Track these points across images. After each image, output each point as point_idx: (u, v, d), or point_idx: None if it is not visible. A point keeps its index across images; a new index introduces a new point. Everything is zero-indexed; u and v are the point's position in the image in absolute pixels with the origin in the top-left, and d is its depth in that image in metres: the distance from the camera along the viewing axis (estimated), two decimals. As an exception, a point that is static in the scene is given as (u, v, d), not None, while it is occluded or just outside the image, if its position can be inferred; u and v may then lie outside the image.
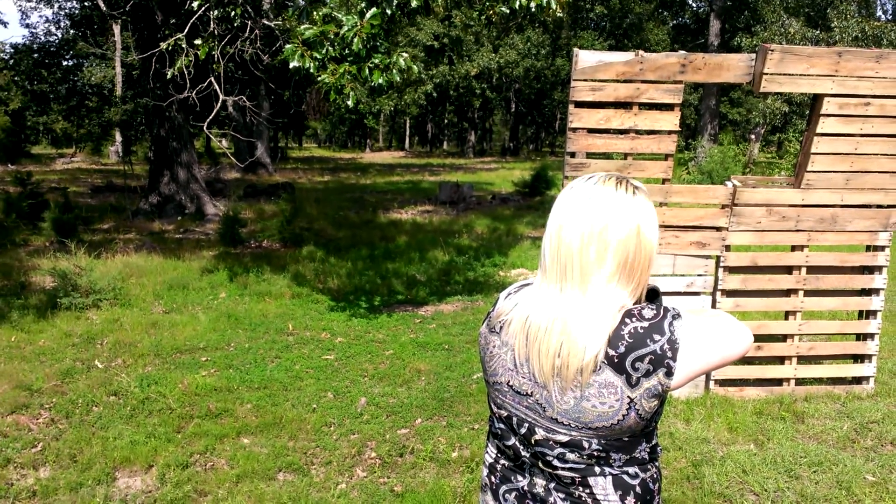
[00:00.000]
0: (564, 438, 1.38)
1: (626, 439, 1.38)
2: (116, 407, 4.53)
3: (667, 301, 4.47)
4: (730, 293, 4.73)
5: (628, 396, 1.33)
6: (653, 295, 1.45)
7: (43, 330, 6.07)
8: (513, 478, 1.51)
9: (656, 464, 1.46)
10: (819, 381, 4.91)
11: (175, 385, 4.82)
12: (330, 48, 4.37)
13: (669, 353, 1.32)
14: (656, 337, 1.32)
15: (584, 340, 1.32)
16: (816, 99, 4.50)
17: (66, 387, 4.84)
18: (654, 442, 1.44)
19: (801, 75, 4.37)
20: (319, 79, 4.32)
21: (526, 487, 1.48)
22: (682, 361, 1.32)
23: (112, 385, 4.86)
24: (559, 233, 1.37)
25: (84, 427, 4.24)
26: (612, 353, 1.32)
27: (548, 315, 1.36)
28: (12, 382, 4.81)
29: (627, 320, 1.34)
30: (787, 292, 4.79)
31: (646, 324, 1.33)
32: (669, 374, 1.32)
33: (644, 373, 1.32)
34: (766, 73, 4.33)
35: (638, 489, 1.41)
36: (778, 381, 4.83)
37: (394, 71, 4.66)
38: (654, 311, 1.35)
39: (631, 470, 1.41)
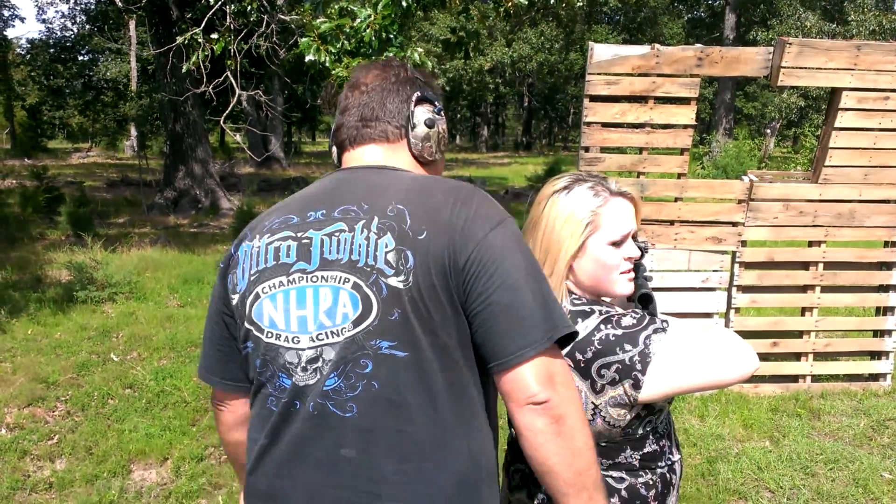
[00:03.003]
0: None
1: (603, 445, 1.37)
2: (132, 400, 4.56)
3: (681, 296, 4.45)
4: (745, 289, 4.70)
5: (592, 402, 1.32)
6: (645, 300, 1.42)
7: (59, 323, 6.12)
8: (520, 459, 1.54)
9: (658, 472, 1.42)
10: (835, 377, 4.87)
11: (190, 378, 4.85)
12: (345, 42, 4.37)
13: (639, 366, 1.29)
14: (627, 347, 1.30)
15: None
16: (834, 93, 4.45)
17: (81, 380, 4.88)
18: (648, 450, 1.41)
19: (819, 69, 4.32)
20: (334, 72, 4.32)
21: (528, 471, 1.50)
22: (652, 376, 1.28)
23: (127, 378, 4.89)
24: (526, 235, 1.50)
25: (100, 420, 4.27)
26: (579, 356, 1.32)
27: None
28: (29, 375, 4.85)
29: (602, 326, 1.32)
30: (804, 288, 4.74)
31: (620, 332, 1.31)
32: (637, 386, 1.29)
33: (609, 381, 1.30)
34: (784, 67, 4.29)
35: (623, 493, 1.39)
36: (794, 378, 4.79)
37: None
38: (634, 321, 1.32)
39: (615, 474, 1.39)
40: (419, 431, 1.21)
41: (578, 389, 1.32)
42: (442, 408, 1.21)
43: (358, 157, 1.40)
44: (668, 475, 1.44)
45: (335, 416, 1.22)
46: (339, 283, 1.22)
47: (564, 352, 1.31)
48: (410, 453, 1.21)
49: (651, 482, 1.40)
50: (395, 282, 1.21)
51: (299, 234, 1.27)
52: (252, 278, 1.29)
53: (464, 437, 1.24)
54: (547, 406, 1.16)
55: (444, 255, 1.20)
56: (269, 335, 1.27)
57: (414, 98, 1.40)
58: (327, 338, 1.22)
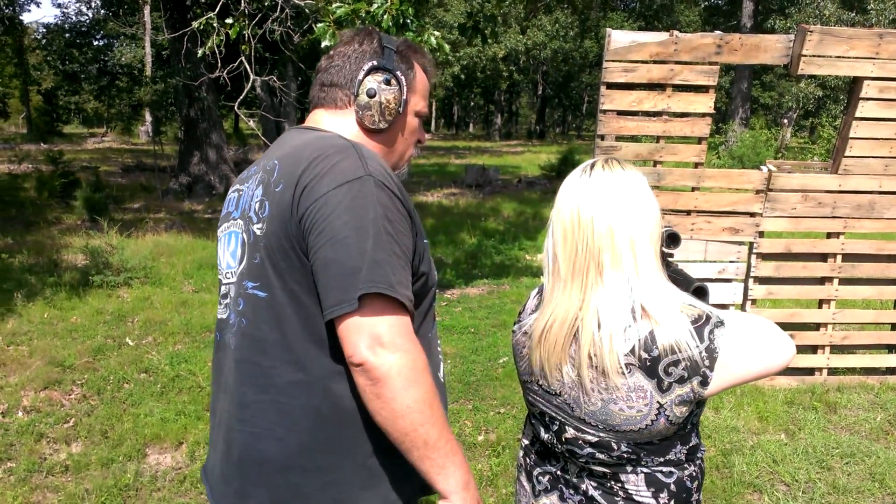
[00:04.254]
0: (593, 439, 1.35)
1: (657, 442, 1.34)
2: (147, 384, 4.59)
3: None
4: (762, 280, 4.66)
5: (658, 402, 1.27)
6: (699, 293, 1.37)
7: (75, 307, 6.17)
8: (547, 462, 1.50)
9: (698, 463, 1.41)
10: (852, 370, 4.83)
11: (205, 363, 4.87)
12: (361, 26, 4.37)
13: (707, 362, 1.25)
14: (694, 343, 1.26)
15: (612, 340, 1.27)
16: (856, 82, 4.39)
17: (97, 363, 4.91)
18: (692, 443, 1.39)
19: (839, 57, 4.26)
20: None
21: (559, 472, 1.47)
22: (719, 371, 1.25)
23: (143, 362, 4.92)
24: (577, 228, 1.31)
25: (115, 404, 4.30)
26: (644, 355, 1.26)
27: (568, 321, 1.33)
28: (45, 358, 4.89)
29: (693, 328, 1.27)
30: (822, 280, 4.70)
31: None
32: (704, 383, 1.26)
33: (677, 379, 1.26)
34: (805, 55, 4.22)
35: (673, 487, 1.37)
36: (810, 371, 4.76)
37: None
38: (695, 316, 1.28)
39: (665, 469, 1.36)
40: (276, 367, 1.33)
41: (643, 388, 1.27)
42: (298, 348, 1.32)
43: (309, 119, 1.53)
44: (703, 465, 1.43)
45: (228, 347, 1.43)
46: (237, 228, 1.43)
47: (628, 347, 1.26)
48: (267, 385, 1.34)
49: (694, 474, 1.39)
50: (256, 229, 1.36)
51: (238, 186, 1.51)
52: (219, 224, 1.56)
53: (323, 378, 1.31)
54: (364, 368, 1.21)
55: (289, 208, 1.29)
56: (219, 272, 1.51)
57: (365, 67, 1.45)
58: (230, 277, 1.44)
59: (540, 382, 1.40)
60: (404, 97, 1.47)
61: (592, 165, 1.36)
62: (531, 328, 1.41)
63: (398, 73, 1.46)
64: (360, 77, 1.44)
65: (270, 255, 1.32)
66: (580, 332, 1.31)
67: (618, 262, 1.29)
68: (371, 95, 1.43)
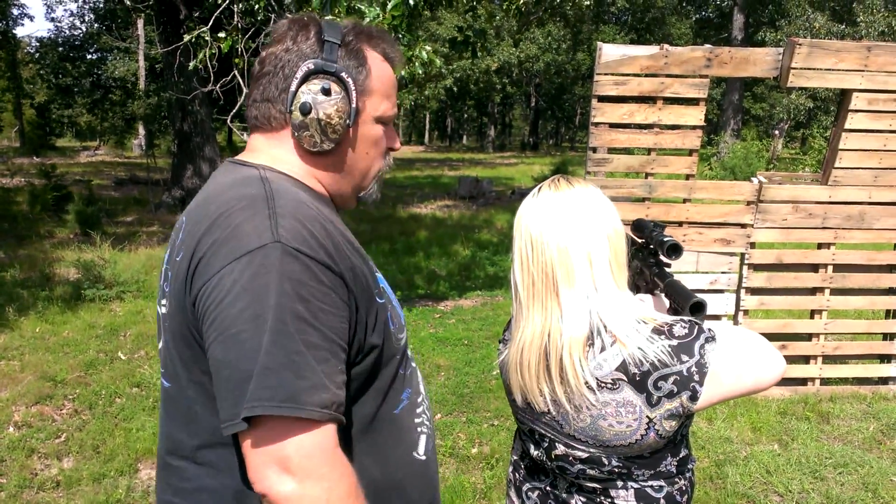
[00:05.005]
0: (583, 455, 1.34)
1: (648, 455, 1.34)
2: (139, 399, 4.57)
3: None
4: (754, 291, 4.67)
5: (647, 416, 1.27)
6: (697, 309, 1.37)
7: (67, 321, 6.14)
8: (536, 477, 1.50)
9: (687, 475, 1.41)
10: (844, 381, 4.84)
11: (197, 377, 4.85)
12: (354, 41, 4.39)
13: (697, 377, 1.24)
14: (684, 357, 1.25)
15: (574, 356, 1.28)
16: (845, 94, 4.43)
17: (89, 378, 4.89)
18: (682, 455, 1.39)
19: (828, 70, 4.30)
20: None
21: (548, 488, 1.46)
22: (708, 386, 1.25)
23: (135, 377, 4.90)
24: (531, 252, 1.31)
25: (107, 418, 4.28)
26: (633, 370, 1.25)
27: (535, 345, 1.33)
28: (37, 373, 4.86)
29: (655, 336, 1.27)
30: (813, 291, 4.72)
31: (675, 342, 1.26)
32: (694, 398, 1.25)
33: (667, 393, 1.25)
34: (794, 68, 4.26)
35: (663, 502, 1.37)
36: (802, 381, 4.77)
37: (416, 63, 4.66)
38: (686, 330, 1.28)
39: (656, 483, 1.36)
40: (187, 469, 1.15)
41: (632, 403, 1.27)
42: (207, 452, 1.11)
43: (247, 147, 1.25)
44: (692, 477, 1.43)
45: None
46: (160, 297, 1.21)
47: (614, 365, 1.25)
48: (178, 489, 1.16)
49: (684, 487, 1.39)
50: (163, 306, 1.16)
51: (172, 236, 1.24)
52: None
53: (235, 490, 1.11)
54: (268, 501, 0.98)
55: (183, 286, 1.06)
56: None
57: (300, 73, 1.13)
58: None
59: (527, 401, 1.40)
60: (353, 105, 1.15)
61: (540, 188, 1.36)
62: (507, 357, 1.42)
63: (343, 74, 1.14)
64: (293, 88, 1.13)
65: (174, 340, 1.10)
66: (549, 354, 1.31)
67: (573, 280, 1.29)
68: (306, 112, 1.12)
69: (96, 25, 37.00)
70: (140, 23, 29.77)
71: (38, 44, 38.93)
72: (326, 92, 1.13)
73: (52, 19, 46.76)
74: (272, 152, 1.20)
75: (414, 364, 1.35)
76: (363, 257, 1.18)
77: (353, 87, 1.15)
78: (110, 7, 31.41)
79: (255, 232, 1.00)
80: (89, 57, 38.78)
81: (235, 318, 0.97)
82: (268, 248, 0.98)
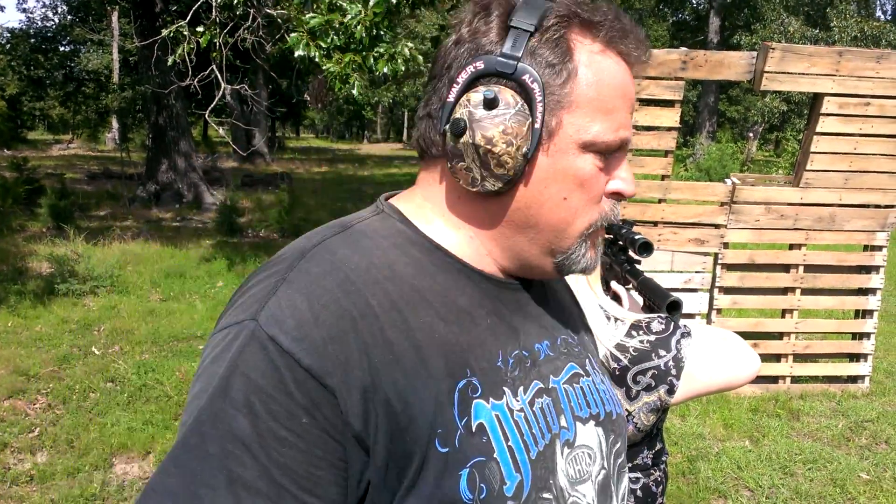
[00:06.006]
0: None
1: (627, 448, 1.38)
2: (114, 394, 4.53)
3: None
4: (727, 290, 4.75)
5: (626, 410, 1.31)
6: (673, 308, 1.39)
7: (40, 316, 6.06)
8: None
9: (662, 468, 1.45)
10: (815, 379, 4.94)
11: (172, 373, 4.82)
12: (335, 37, 4.38)
13: (674, 371, 1.29)
14: (662, 352, 1.30)
15: None
16: (816, 98, 4.51)
17: (63, 373, 4.84)
18: (657, 448, 1.43)
19: (801, 74, 4.38)
20: (325, 68, 4.32)
21: None
22: (685, 380, 1.30)
23: (109, 372, 4.86)
24: None
25: (81, 413, 4.24)
26: (613, 364, 1.30)
27: None
28: (9, 367, 4.81)
29: (634, 332, 1.31)
30: (785, 290, 4.81)
31: (653, 337, 1.31)
32: (671, 391, 1.30)
33: (645, 387, 1.30)
34: (767, 72, 4.34)
35: (639, 493, 1.41)
36: (774, 379, 4.86)
37: (398, 60, 4.67)
38: (663, 325, 1.32)
39: (632, 475, 1.40)
40: None
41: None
42: None
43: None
44: (666, 469, 1.47)
45: None
46: None
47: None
48: None
49: (659, 479, 1.44)
50: None
51: None
52: None
53: None
54: None
55: None
56: None
57: (463, 76, 0.75)
58: None
59: None
60: (537, 124, 0.74)
61: None
62: None
63: (524, 77, 0.74)
64: (451, 97, 0.76)
65: None
66: None
67: None
68: (458, 132, 0.74)
69: (69, 17, 36.46)
70: (114, 15, 29.40)
71: (8, 34, 38.28)
72: (490, 104, 0.73)
73: (24, 10, 45.92)
74: (422, 190, 0.86)
75: None
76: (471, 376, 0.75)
77: (538, 97, 0.74)
78: (84, -1, 31.01)
79: (251, 300, 0.72)
80: (62, 49, 38.19)
81: (187, 405, 0.71)
82: (243, 324, 0.70)
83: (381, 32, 4.53)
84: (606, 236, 1.61)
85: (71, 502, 3.28)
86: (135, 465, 3.68)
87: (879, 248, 4.75)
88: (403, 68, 4.70)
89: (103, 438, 3.90)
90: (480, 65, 0.74)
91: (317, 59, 4.39)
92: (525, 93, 0.74)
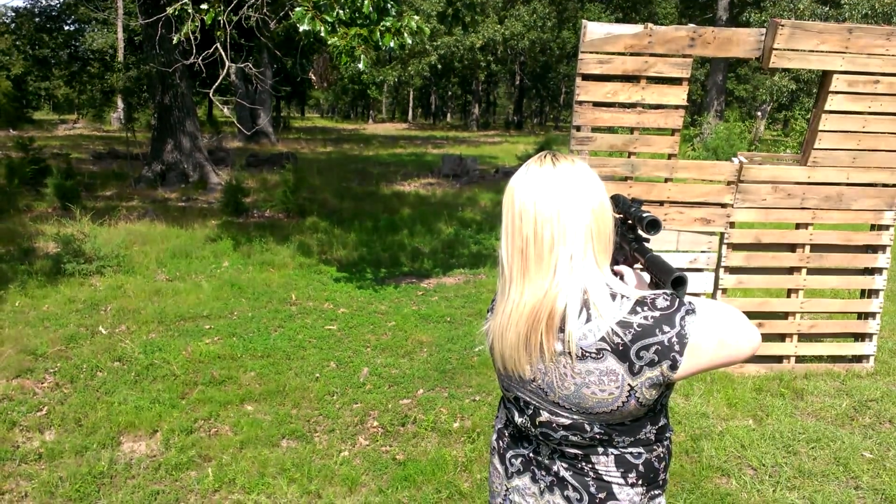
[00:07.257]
0: (566, 421, 1.38)
1: (629, 423, 1.38)
2: (121, 373, 4.56)
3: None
4: (733, 270, 4.74)
5: (629, 384, 1.31)
6: (678, 283, 1.39)
7: (47, 295, 6.10)
8: (519, 444, 1.54)
9: (665, 444, 1.46)
10: (819, 358, 4.93)
11: (179, 352, 4.85)
12: (340, 11, 4.33)
13: (677, 347, 1.29)
14: (665, 328, 1.30)
15: (570, 326, 1.31)
16: (825, 76, 4.47)
17: (70, 352, 4.87)
18: (661, 423, 1.43)
19: (810, 51, 4.33)
20: (330, 42, 4.27)
21: (531, 454, 1.50)
22: (688, 356, 1.30)
23: (116, 351, 4.89)
24: (517, 223, 1.35)
25: (89, 392, 4.27)
26: (617, 340, 1.30)
27: (524, 315, 1.35)
28: (17, 347, 4.84)
29: (639, 308, 1.31)
30: (790, 270, 4.79)
31: (657, 313, 1.31)
32: (674, 367, 1.30)
33: (648, 362, 1.30)
34: (776, 49, 4.29)
35: (641, 468, 1.41)
36: (778, 358, 4.85)
37: (405, 34, 4.62)
38: (668, 302, 1.32)
39: (635, 450, 1.41)
40: None
41: (615, 372, 1.31)
42: None
43: None
44: (670, 446, 1.48)
45: None
46: None
47: (599, 336, 1.30)
48: None
49: (662, 455, 1.44)
50: None
51: None
52: None
53: None
54: None
55: None
56: None
57: None
58: None
59: (513, 371, 1.43)
60: None
61: (530, 163, 1.40)
62: (492, 325, 1.45)
63: None
64: None
65: None
66: (533, 323, 1.34)
67: (556, 251, 1.33)
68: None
69: (74, -4, 36.28)
70: (119, -6, 29.24)
71: (13, 14, 38.13)
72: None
73: (29, -11, 45.74)
74: None
75: None
76: None
77: None
78: (88, -23, 30.82)
79: None
80: (66, 28, 38.05)
81: None
82: None
83: (388, 6, 4.48)
84: (616, 215, 1.62)
85: (79, 480, 3.31)
86: (142, 444, 3.72)
87: (886, 227, 4.71)
88: (410, 41, 4.64)
89: (111, 417, 3.94)
90: None
91: (322, 34, 4.34)
92: None
